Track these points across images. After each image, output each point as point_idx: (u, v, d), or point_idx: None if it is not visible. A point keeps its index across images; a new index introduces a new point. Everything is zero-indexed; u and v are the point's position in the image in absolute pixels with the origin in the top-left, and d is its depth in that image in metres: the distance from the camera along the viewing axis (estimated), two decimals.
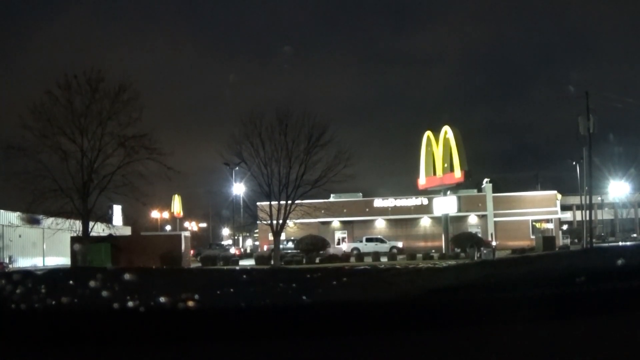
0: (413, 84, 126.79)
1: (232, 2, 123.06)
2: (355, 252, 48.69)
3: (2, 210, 43.51)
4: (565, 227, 68.86)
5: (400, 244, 52.35)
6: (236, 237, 73.33)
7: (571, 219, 74.11)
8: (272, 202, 38.60)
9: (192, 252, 52.27)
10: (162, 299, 1.47)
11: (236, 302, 1.55)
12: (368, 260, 41.96)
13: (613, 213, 75.93)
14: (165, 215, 79.94)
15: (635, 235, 67.56)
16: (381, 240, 52.73)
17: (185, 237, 43.27)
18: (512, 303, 1.54)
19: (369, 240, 53.17)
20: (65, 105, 30.93)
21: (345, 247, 52.66)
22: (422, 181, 49.21)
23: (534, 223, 60.39)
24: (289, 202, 38.31)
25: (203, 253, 49.42)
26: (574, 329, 1.53)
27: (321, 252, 46.08)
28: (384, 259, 41.87)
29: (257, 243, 66.61)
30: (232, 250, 56.12)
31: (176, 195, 77.48)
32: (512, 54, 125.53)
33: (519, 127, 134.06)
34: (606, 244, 51.57)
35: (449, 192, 47.63)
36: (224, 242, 70.93)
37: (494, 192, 60.28)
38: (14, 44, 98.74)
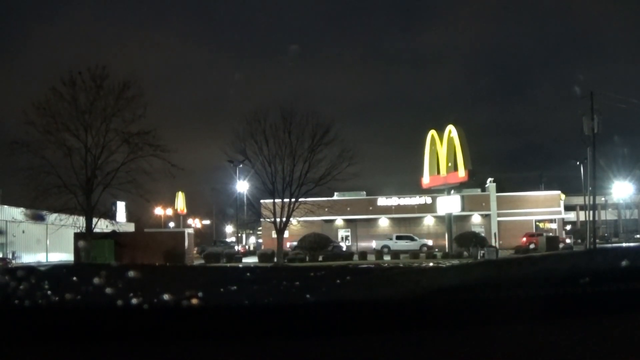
0: (418, 83, 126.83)
1: (238, 0, 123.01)
2: (385, 249, 48.79)
3: (5, 206, 43.65)
4: (568, 227, 68.78)
5: (430, 242, 52.15)
6: (239, 235, 73.33)
7: (575, 219, 74.02)
8: (276, 200, 38.62)
9: (195, 249, 52.43)
10: (165, 297, 1.47)
11: (239, 300, 1.55)
12: (372, 258, 41.99)
13: (616, 214, 75.77)
14: (169, 212, 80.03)
15: (638, 236, 67.36)
16: (411, 238, 52.52)
17: (188, 234, 43.35)
18: (515, 303, 1.54)
19: (399, 238, 52.98)
20: (69, 102, 31.03)
21: (374, 244, 52.27)
22: (426, 180, 49.09)
23: (537, 223, 60.33)
24: (293, 200, 38.33)
25: (207, 250, 49.47)
26: (577, 330, 1.53)
27: (340, 249, 46.33)
28: (387, 257, 41.89)
29: (260, 241, 66.64)
30: (237, 248, 56.15)
31: (180, 192, 77.45)
32: (517, 53, 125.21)
33: (523, 127, 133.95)
34: (609, 245, 51.46)
35: (452, 192, 47.51)
36: (228, 240, 70.90)
37: (497, 191, 60.24)
38: (19, 39, 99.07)
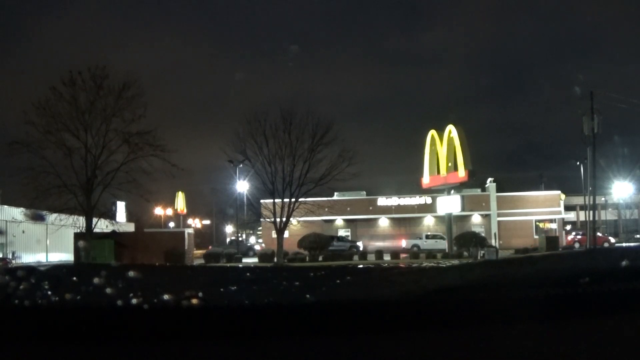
0: (418, 83, 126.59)
1: (239, 0, 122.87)
2: (415, 248, 48.79)
3: (5, 206, 43.64)
4: (568, 227, 68.71)
5: None
6: (239, 235, 73.24)
7: (575, 219, 73.96)
8: (276, 200, 38.62)
9: (209, 247, 52.56)
10: (165, 296, 1.47)
11: (239, 300, 1.55)
12: (372, 258, 41.98)
13: (616, 214, 75.74)
14: (169, 212, 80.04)
15: (638, 236, 67.32)
16: (441, 237, 52.24)
17: (188, 234, 43.38)
18: (516, 303, 1.54)
19: (428, 237, 53.00)
20: (69, 102, 31.03)
21: (404, 243, 52.13)
22: (426, 180, 49.07)
23: (537, 223, 60.27)
24: (293, 200, 38.33)
25: (218, 249, 49.43)
26: (576, 330, 1.53)
27: (357, 249, 46.30)
28: (387, 257, 41.86)
29: (260, 240, 66.52)
30: (257, 247, 56.14)
31: (180, 192, 77.47)
32: (517, 53, 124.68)
33: (523, 127, 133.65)
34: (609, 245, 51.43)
35: (452, 192, 47.47)
36: (242, 238, 70.56)
37: (497, 191, 60.16)
38: (19, 39, 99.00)
